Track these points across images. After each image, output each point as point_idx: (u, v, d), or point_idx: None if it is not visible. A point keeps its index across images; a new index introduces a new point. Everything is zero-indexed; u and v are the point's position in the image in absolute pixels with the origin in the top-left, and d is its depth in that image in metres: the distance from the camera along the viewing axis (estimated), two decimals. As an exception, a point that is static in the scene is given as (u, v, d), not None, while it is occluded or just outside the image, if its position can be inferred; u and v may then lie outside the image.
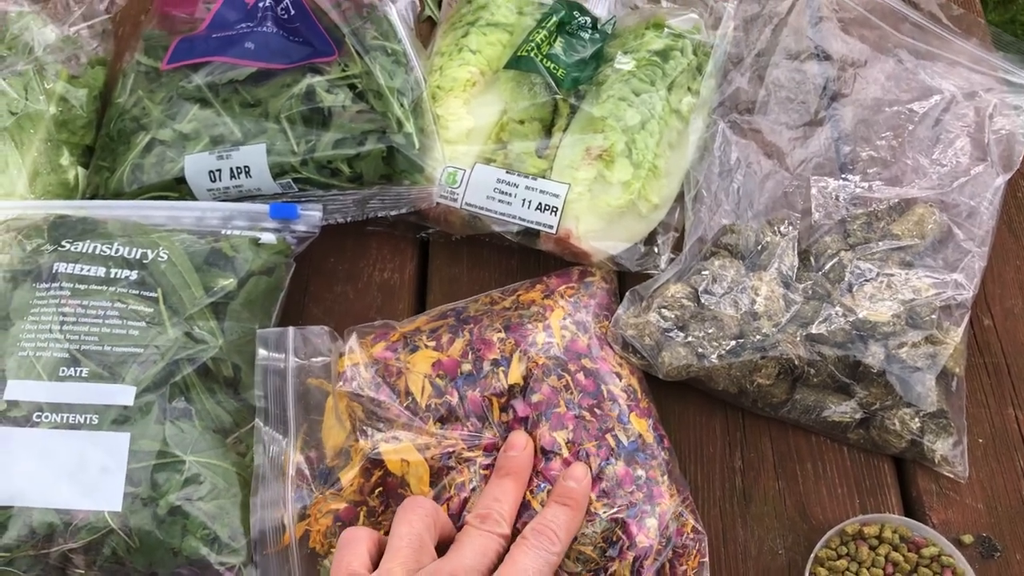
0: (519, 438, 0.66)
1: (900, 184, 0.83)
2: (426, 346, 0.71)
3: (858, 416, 0.74)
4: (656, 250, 0.82)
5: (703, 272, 0.78)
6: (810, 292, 0.77)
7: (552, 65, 0.84)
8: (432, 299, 0.86)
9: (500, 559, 0.60)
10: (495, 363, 0.69)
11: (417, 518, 0.60)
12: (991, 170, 0.83)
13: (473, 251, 0.88)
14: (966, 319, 0.76)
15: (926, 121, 0.86)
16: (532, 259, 0.86)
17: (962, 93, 0.87)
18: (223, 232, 0.78)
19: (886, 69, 0.89)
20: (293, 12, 0.87)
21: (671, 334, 0.75)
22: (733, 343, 0.74)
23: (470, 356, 0.69)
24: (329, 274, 0.87)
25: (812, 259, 0.79)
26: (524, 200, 0.81)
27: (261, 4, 0.87)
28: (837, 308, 0.75)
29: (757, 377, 0.73)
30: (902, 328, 0.74)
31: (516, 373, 0.68)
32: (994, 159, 0.84)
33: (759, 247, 0.79)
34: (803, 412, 0.75)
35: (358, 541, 0.59)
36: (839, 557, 0.70)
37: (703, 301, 0.76)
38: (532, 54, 0.84)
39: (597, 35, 0.88)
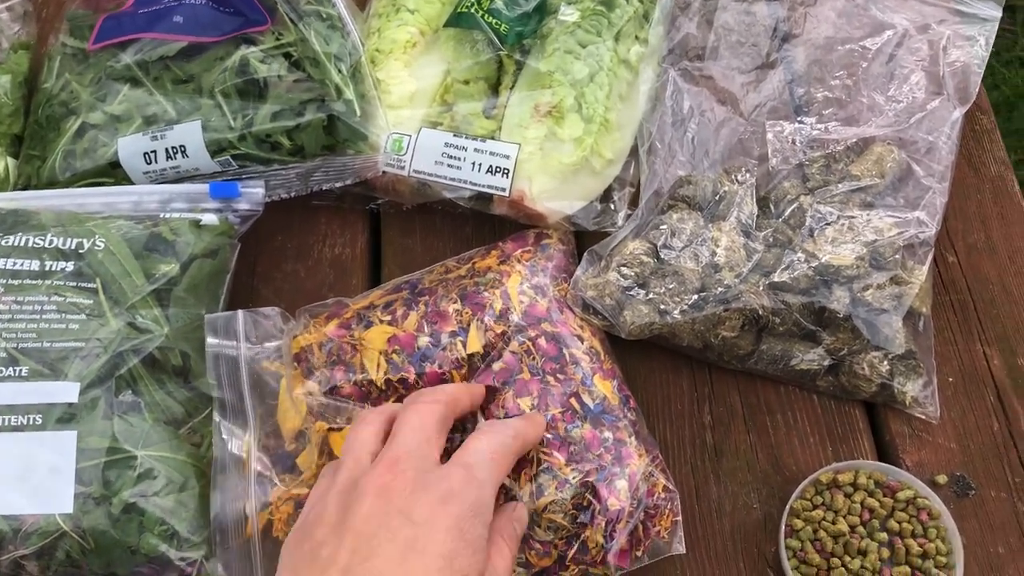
0: None
1: (856, 124, 0.81)
2: (381, 321, 0.69)
3: (826, 363, 0.73)
4: (613, 207, 0.80)
5: (661, 227, 0.76)
6: (771, 240, 0.75)
7: (494, 20, 0.81)
8: (386, 272, 0.83)
9: (448, 422, 0.58)
10: (452, 335, 0.67)
11: (427, 410, 0.57)
12: (948, 104, 0.82)
13: (425, 220, 0.85)
14: (930, 257, 0.75)
15: (880, 58, 0.84)
16: (487, 225, 0.84)
17: (915, 27, 0.85)
18: (162, 216, 0.75)
19: (836, 6, 0.87)
20: (222, -18, 0.83)
21: (632, 292, 0.73)
22: (695, 297, 0.72)
23: (427, 329, 0.67)
24: (277, 253, 0.84)
25: (772, 206, 0.77)
26: (474, 163, 0.78)
27: (187, -25, 0.83)
28: (799, 254, 0.73)
29: (721, 330, 0.72)
30: (866, 270, 0.72)
31: (475, 343, 0.67)
32: (950, 92, 0.82)
33: (717, 197, 0.77)
34: (770, 362, 0.74)
35: (370, 422, 0.58)
36: (815, 507, 0.69)
37: (663, 256, 0.74)
38: (472, 10, 0.81)
39: (539, -13, 0.85)
